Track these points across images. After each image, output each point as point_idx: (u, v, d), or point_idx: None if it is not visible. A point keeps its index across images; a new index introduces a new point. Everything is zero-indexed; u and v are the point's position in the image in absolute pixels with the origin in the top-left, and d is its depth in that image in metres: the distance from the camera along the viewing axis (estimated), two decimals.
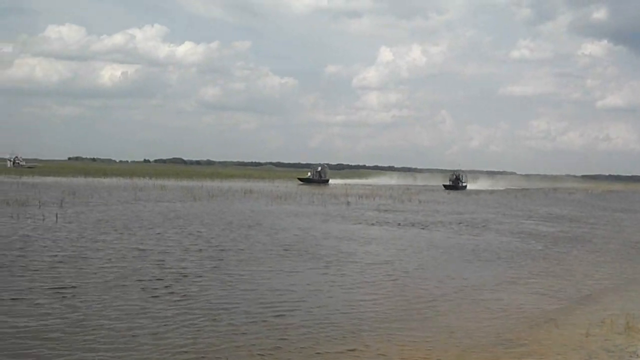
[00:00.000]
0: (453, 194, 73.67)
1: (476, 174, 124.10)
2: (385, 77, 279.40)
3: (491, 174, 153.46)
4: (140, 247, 18.69)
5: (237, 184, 72.47)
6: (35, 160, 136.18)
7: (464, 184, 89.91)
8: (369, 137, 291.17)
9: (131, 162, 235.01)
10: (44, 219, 25.14)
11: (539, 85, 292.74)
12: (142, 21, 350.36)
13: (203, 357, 8.88)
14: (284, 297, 12.84)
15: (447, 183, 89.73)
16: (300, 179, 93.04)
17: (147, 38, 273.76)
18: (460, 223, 32.55)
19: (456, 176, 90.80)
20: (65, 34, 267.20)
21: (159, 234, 22.18)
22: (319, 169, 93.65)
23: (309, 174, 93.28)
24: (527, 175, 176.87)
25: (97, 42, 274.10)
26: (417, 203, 49.11)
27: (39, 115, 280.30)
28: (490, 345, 10.04)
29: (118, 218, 27.18)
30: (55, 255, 16.42)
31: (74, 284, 13.00)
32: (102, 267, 15.06)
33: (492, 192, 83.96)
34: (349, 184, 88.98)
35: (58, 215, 26.29)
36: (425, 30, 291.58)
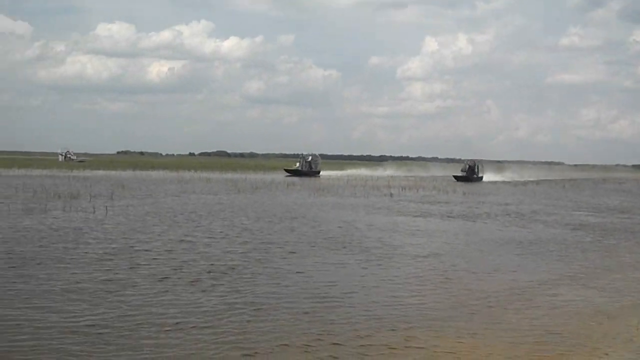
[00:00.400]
0: (469, 186, 63.01)
1: (522, 164, 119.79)
2: (430, 67, 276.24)
3: (537, 164, 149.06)
4: (187, 239, 19.01)
5: (279, 177, 72.90)
6: (86, 154, 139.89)
7: (479, 175, 79.37)
8: (413, 128, 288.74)
9: (177, 155, 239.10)
10: (94, 212, 25.81)
11: (588, 73, 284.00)
12: (188, 17, 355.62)
13: (250, 351, 8.97)
14: (330, 290, 12.86)
15: (459, 174, 79.08)
16: (287, 171, 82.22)
17: (194, 34, 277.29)
18: (507, 214, 32.03)
19: (469, 166, 79.46)
20: (115, 31, 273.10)
21: (204, 226, 22.52)
22: (309, 158, 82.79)
23: (297, 164, 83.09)
24: (576, 166, 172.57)
25: (145, 39, 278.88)
26: (461, 195, 48.51)
27: (89, 111, 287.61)
28: (539, 339, 9.87)
29: (165, 210, 27.70)
30: (105, 248, 16.84)
31: (122, 277, 13.31)
32: (151, 260, 15.37)
33: (537, 182, 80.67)
34: (342, 176, 78.64)
35: (108, 208, 26.95)
36: (471, 19, 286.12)
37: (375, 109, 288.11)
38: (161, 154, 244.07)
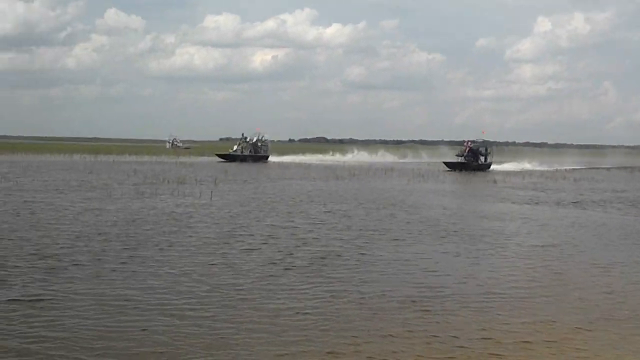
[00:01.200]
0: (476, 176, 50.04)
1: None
2: (542, 48, 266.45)
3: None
4: (287, 225, 19.12)
5: (378, 162, 72.44)
6: (191, 141, 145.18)
7: (485, 162, 59.22)
8: (520, 112, 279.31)
9: (277, 141, 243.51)
10: (200, 196, 26.63)
11: None
12: (293, 6, 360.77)
13: (355, 340, 8.79)
14: (439, 279, 12.44)
15: (453, 160, 59.68)
16: (220, 156, 68.78)
17: (297, 22, 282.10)
18: (620, 202, 30.03)
19: (471, 150, 58.77)
20: (221, 22, 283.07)
21: (305, 212, 22.61)
22: (254, 139, 68.35)
23: (235, 147, 68.67)
24: None
25: (250, 29, 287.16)
26: (571, 181, 46.10)
27: (196, 100, 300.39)
28: None
29: (266, 196, 28.13)
30: (212, 232, 17.24)
31: (229, 261, 13.52)
32: (255, 245, 15.55)
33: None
34: (294, 162, 68.38)
35: (213, 193, 27.72)
36: None
37: (481, 92, 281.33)
38: None
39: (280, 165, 60.60)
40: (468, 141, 60.57)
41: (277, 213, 21.95)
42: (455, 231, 18.85)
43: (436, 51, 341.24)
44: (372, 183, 39.37)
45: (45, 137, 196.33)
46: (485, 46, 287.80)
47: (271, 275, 12.25)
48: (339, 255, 14.48)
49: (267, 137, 70.53)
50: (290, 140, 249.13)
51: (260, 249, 15.02)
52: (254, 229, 17.94)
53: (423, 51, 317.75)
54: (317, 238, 16.79)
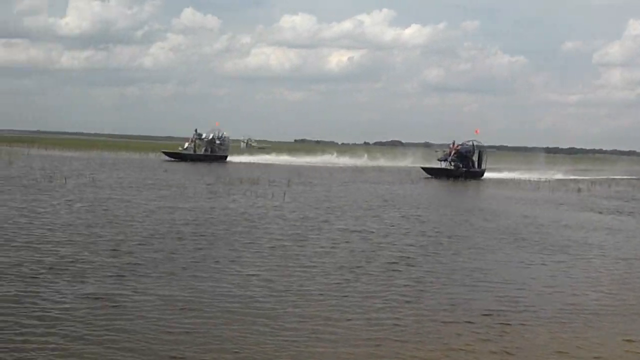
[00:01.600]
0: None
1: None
2: (633, 51, 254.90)
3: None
4: (360, 229, 18.68)
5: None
6: (265, 142, 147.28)
7: (477, 169, 47.52)
8: (608, 118, 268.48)
9: (352, 144, 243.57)
10: (272, 197, 26.60)
11: None
12: (370, 6, 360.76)
13: (425, 353, 8.28)
14: (520, 291, 11.72)
15: (431, 165, 49.53)
16: (167, 154, 59.95)
17: (375, 23, 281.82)
18: None
19: (459, 153, 46.74)
20: (297, 23, 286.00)
21: (377, 216, 22.11)
22: (210, 136, 58.84)
23: (186, 144, 58.54)
24: None
25: (326, 30, 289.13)
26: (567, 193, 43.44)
27: (270, 100, 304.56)
28: None
29: (339, 198, 27.79)
30: (285, 234, 17.03)
31: (303, 264, 13.23)
32: (324, 248, 15.21)
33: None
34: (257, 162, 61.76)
35: (285, 194, 27.65)
36: None
37: (566, 97, 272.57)
38: (336, 143, 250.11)
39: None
40: (460, 145, 47.51)
41: (348, 216, 21.56)
42: (537, 240, 17.88)
43: (519, 54, 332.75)
44: (447, 188, 38.36)
45: (121, 134, 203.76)
46: (571, 49, 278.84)
47: (345, 279, 11.86)
48: (412, 261, 13.94)
49: (226, 133, 60.97)
50: (365, 143, 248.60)
51: (333, 252, 14.67)
52: (325, 233, 17.60)
53: (505, 54, 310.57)
54: (391, 244, 16.23)
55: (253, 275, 11.98)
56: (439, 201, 28.67)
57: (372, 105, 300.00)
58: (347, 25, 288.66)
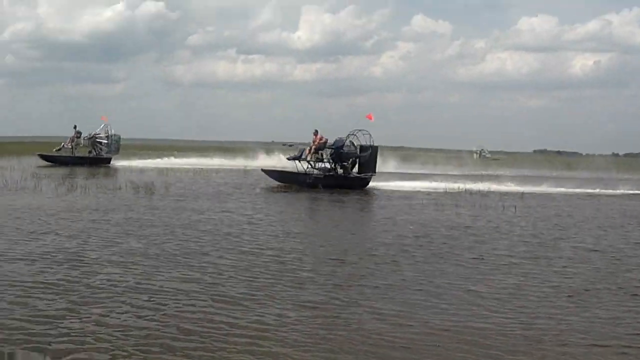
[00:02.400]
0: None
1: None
2: None
3: None
4: (598, 248, 16.67)
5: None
6: (501, 152, 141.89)
7: (360, 174, 32.58)
8: None
9: (597, 155, 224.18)
10: (503, 210, 25.26)
11: None
12: (620, 5, 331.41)
13: None
14: None
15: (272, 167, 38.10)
16: (42, 157, 47.66)
17: (624, 23, 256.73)
18: None
19: (335, 151, 32.22)
20: (536, 25, 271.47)
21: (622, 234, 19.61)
22: (92, 134, 47.74)
23: (64, 144, 47.35)
24: None
25: (569, 31, 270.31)
26: None
27: (507, 108, 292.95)
28: None
29: (574, 215, 25.32)
30: (511, 249, 15.91)
31: (530, 283, 12.13)
32: (567, 270, 13.81)
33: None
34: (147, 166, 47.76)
35: (517, 207, 26.08)
36: None
37: None
38: (580, 154, 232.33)
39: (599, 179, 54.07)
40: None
41: (590, 235, 19.45)
42: None
43: None
44: None
45: None
46: None
47: (577, 307, 10.58)
48: None
49: (114, 131, 48.36)
50: (614, 154, 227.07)
51: (567, 273, 13.26)
52: (564, 252, 15.97)
53: None
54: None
55: (481, 293, 11.26)
56: None
57: (621, 114, 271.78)
58: (592, 25, 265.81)
